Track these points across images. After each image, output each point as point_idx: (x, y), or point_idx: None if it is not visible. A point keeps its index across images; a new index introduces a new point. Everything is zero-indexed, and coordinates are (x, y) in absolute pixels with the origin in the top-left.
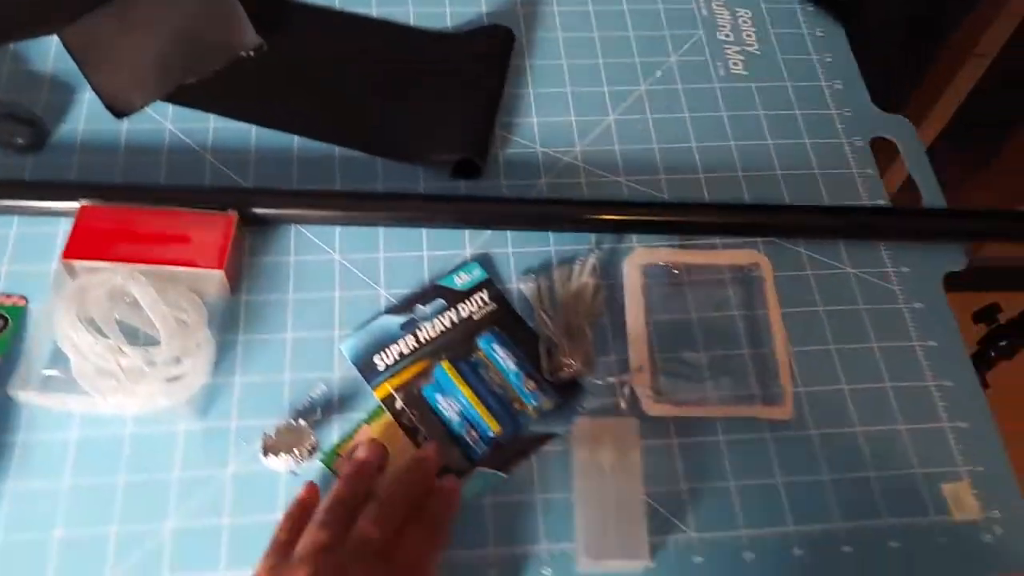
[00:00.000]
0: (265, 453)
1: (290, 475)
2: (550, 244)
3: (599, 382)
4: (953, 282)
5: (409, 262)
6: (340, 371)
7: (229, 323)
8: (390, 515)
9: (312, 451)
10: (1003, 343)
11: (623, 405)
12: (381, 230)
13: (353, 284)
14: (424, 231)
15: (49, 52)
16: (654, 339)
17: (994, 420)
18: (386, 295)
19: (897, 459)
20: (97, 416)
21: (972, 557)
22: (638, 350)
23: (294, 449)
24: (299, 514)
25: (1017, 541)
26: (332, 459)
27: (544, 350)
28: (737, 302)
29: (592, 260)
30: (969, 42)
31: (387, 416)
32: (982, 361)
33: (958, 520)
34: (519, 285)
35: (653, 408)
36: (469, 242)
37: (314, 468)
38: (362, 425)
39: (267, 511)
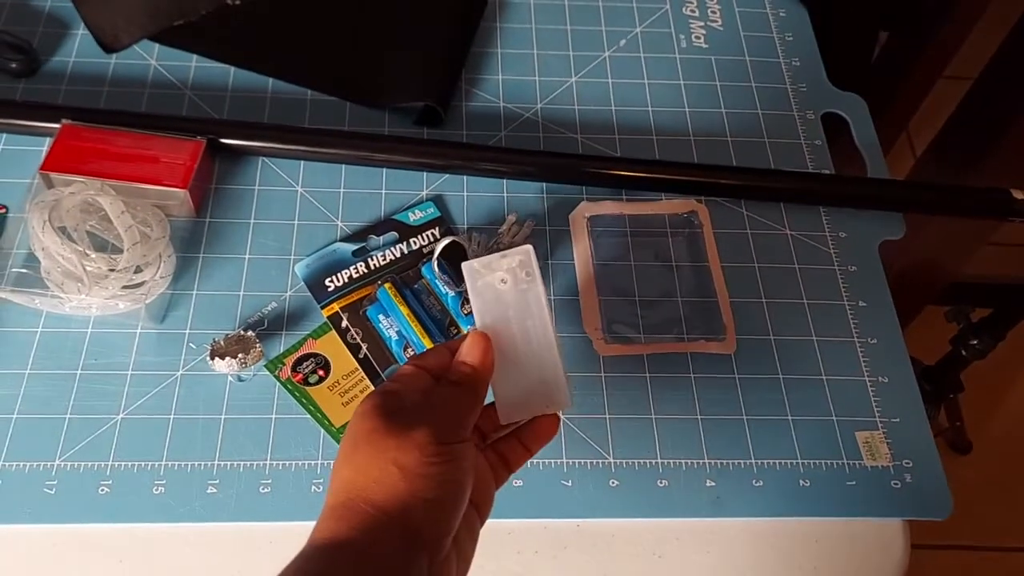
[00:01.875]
0: (212, 356)
1: (235, 379)
2: (503, 191)
3: None
4: (940, 297)
5: (367, 198)
6: (292, 291)
7: (193, 241)
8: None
9: (257, 359)
10: (975, 342)
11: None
12: (343, 168)
13: (312, 215)
14: (384, 171)
15: None
16: (601, 286)
17: (914, 376)
18: (342, 226)
19: (816, 407)
20: (62, 315)
21: (879, 500)
22: (588, 297)
23: (239, 355)
24: None
25: (924, 489)
26: (276, 367)
27: None
28: (678, 247)
29: (530, 222)
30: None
31: (332, 332)
32: (955, 363)
33: (869, 466)
34: (461, 238)
35: (605, 350)
36: (426, 184)
37: (260, 375)
38: (307, 339)
39: (212, 411)
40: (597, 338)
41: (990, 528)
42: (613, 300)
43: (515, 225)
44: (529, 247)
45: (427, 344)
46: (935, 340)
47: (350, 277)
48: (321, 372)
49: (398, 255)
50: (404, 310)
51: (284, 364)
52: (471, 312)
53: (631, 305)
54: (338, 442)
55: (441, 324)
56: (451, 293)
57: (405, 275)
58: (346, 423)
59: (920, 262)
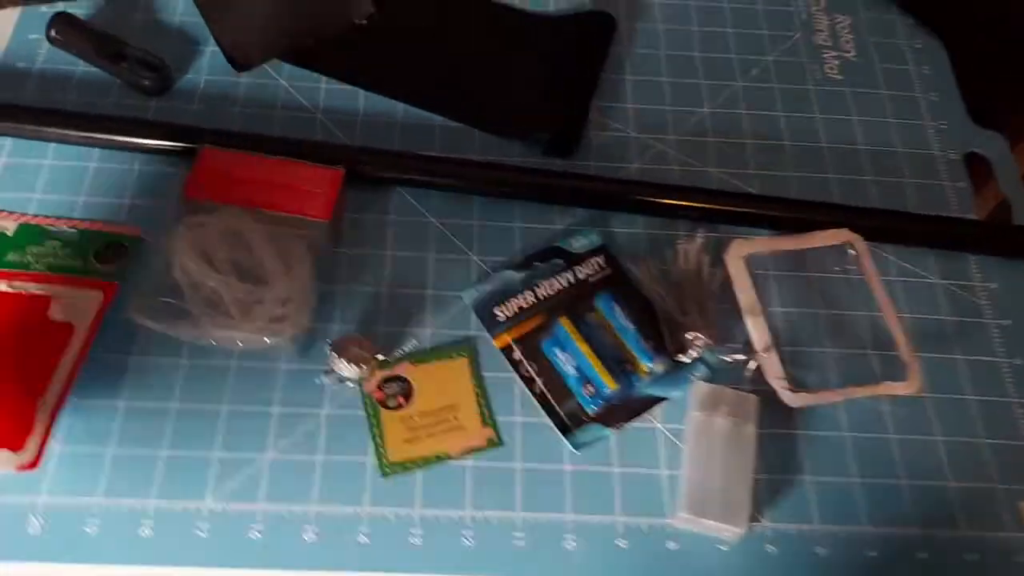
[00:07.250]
0: (338, 354)
1: (329, 381)
2: (639, 227)
3: (728, 359)
4: None
5: (501, 232)
6: (431, 327)
7: (331, 273)
8: None
9: (372, 370)
10: None
11: (747, 382)
12: (476, 200)
13: (447, 248)
14: (515, 205)
15: (177, 5)
16: (773, 328)
17: None
18: (478, 261)
19: (975, 471)
20: (206, 347)
21: None
22: (760, 339)
23: (361, 363)
24: None
25: None
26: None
27: (666, 329)
28: (840, 282)
29: (700, 239)
30: None
31: (435, 363)
32: None
33: None
34: (628, 265)
35: (795, 400)
36: (559, 219)
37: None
38: (402, 361)
39: (357, 453)
40: (782, 387)
41: None
42: (786, 342)
43: (694, 253)
44: (756, 399)
45: (607, 381)
46: None
47: (520, 307)
48: (401, 399)
49: (565, 284)
50: (583, 347)
51: (374, 377)
52: (652, 349)
53: (804, 346)
54: (384, 477)
55: (617, 359)
56: (631, 328)
57: (577, 308)
58: (396, 461)
59: None
